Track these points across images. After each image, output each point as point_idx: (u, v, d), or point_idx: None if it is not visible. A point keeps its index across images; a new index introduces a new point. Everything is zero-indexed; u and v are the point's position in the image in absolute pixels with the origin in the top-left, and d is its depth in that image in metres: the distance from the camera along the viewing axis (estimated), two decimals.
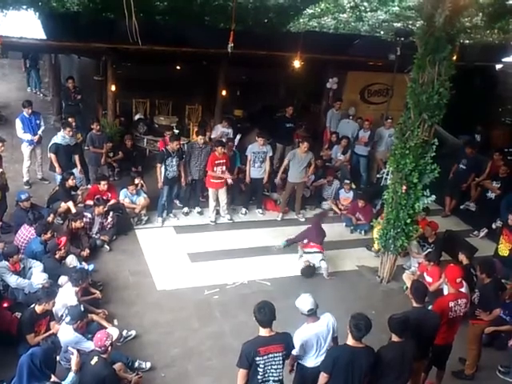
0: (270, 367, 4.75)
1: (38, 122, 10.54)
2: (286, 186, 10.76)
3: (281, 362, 4.80)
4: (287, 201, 10.85)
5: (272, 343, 4.75)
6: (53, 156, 9.95)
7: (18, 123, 10.32)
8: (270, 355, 4.72)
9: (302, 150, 10.29)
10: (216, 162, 9.86)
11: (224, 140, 11.37)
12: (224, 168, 9.96)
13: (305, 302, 5.17)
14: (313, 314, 5.16)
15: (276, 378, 4.81)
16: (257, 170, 10.60)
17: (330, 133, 13.16)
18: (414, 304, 5.72)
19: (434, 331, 5.65)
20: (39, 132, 10.51)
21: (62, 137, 10.00)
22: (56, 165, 9.95)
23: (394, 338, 5.11)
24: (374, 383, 5.08)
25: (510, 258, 8.68)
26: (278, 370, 4.80)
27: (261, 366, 4.70)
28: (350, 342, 4.85)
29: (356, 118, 13.31)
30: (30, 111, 10.38)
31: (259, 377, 4.73)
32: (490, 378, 6.89)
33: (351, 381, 4.85)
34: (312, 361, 5.25)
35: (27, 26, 9.78)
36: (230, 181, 10.18)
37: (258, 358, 4.68)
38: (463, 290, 6.67)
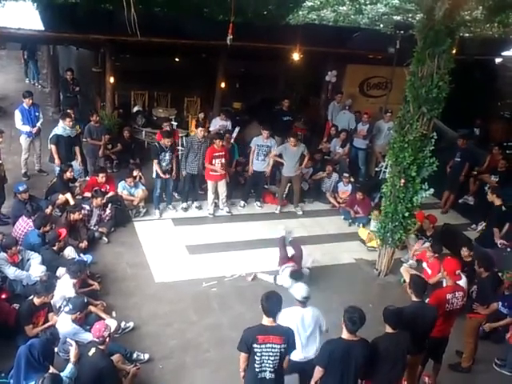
0: (266, 357, 4.77)
1: (37, 114, 10.48)
2: (281, 179, 10.77)
3: (278, 355, 4.80)
4: (284, 194, 10.86)
5: (272, 333, 4.78)
6: (53, 147, 9.89)
7: (18, 115, 10.26)
8: (268, 345, 4.75)
9: (291, 143, 10.27)
10: (215, 154, 9.83)
11: (223, 133, 11.36)
12: (223, 161, 9.92)
13: (300, 289, 5.53)
14: (304, 303, 5.47)
15: (272, 369, 4.84)
16: (260, 163, 10.57)
17: (331, 125, 13.16)
18: (413, 298, 5.73)
19: (430, 325, 5.67)
20: (38, 124, 10.47)
21: (62, 128, 9.95)
22: (55, 156, 9.90)
23: (388, 330, 5.14)
24: (367, 374, 5.11)
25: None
26: (274, 362, 4.82)
27: (258, 354, 4.74)
28: (345, 335, 4.86)
29: (354, 111, 13.30)
30: (30, 102, 10.31)
31: (256, 365, 4.78)
32: (486, 370, 6.93)
33: (347, 374, 4.87)
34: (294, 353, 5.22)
35: (25, 16, 9.74)
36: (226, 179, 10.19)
37: (255, 346, 4.72)
38: (461, 282, 6.72)
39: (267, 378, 4.85)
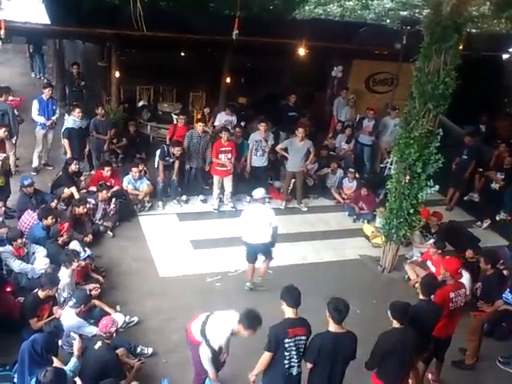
0: (295, 351, 4.79)
1: (54, 107, 10.52)
2: (286, 174, 10.75)
3: (303, 347, 4.84)
4: (289, 189, 10.83)
5: (298, 325, 4.82)
6: (66, 141, 10.05)
7: (35, 104, 10.28)
8: (297, 338, 4.78)
9: (298, 138, 10.25)
10: (221, 149, 9.84)
11: (229, 128, 11.36)
12: (230, 156, 9.92)
13: (259, 191, 7.74)
14: (260, 201, 7.73)
15: (298, 363, 4.87)
16: (258, 159, 10.57)
17: (337, 121, 13.13)
18: (420, 296, 5.75)
19: (433, 324, 5.68)
20: (53, 118, 10.49)
21: (72, 121, 10.10)
22: (68, 150, 10.03)
23: (395, 325, 5.14)
24: (372, 365, 5.14)
25: None
26: (300, 355, 4.85)
27: (287, 349, 4.73)
28: (332, 327, 4.84)
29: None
30: (49, 93, 10.37)
31: (285, 361, 4.77)
32: (490, 368, 6.93)
33: (335, 366, 4.88)
34: (250, 237, 7.46)
35: (31, 10, 9.73)
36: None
37: (286, 340, 4.72)
38: (464, 280, 6.72)
39: (294, 373, 4.87)
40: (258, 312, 5.08)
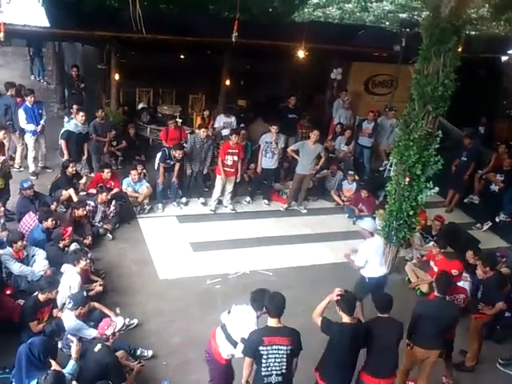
0: (273, 359, 4.71)
1: (40, 111, 10.49)
2: (294, 177, 10.65)
3: (285, 356, 4.75)
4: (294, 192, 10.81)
5: (278, 335, 4.74)
6: (63, 143, 10.07)
7: (21, 113, 10.25)
8: (274, 347, 4.70)
9: (311, 141, 10.22)
10: (229, 150, 9.85)
11: (228, 130, 11.38)
12: (236, 158, 9.93)
13: (369, 223, 7.24)
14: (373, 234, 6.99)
15: (279, 372, 4.78)
16: (268, 161, 10.57)
17: (337, 123, 13.15)
18: (436, 293, 5.87)
19: (447, 322, 5.79)
20: (42, 122, 10.47)
21: (74, 124, 10.12)
22: (65, 152, 10.06)
23: (378, 314, 5.29)
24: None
25: None
26: (281, 364, 4.76)
27: (264, 356, 4.68)
28: (347, 319, 4.97)
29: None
30: (32, 100, 10.32)
31: (263, 369, 4.73)
32: (490, 370, 6.92)
33: (353, 352, 5.06)
34: (375, 270, 6.87)
35: (31, 13, 9.76)
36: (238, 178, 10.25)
37: (261, 348, 4.67)
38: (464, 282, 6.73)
39: (273, 382, 4.80)
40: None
